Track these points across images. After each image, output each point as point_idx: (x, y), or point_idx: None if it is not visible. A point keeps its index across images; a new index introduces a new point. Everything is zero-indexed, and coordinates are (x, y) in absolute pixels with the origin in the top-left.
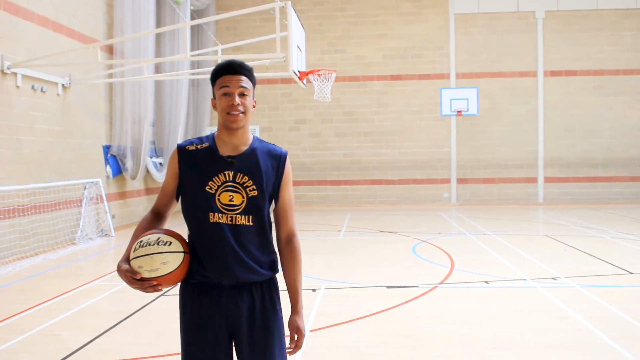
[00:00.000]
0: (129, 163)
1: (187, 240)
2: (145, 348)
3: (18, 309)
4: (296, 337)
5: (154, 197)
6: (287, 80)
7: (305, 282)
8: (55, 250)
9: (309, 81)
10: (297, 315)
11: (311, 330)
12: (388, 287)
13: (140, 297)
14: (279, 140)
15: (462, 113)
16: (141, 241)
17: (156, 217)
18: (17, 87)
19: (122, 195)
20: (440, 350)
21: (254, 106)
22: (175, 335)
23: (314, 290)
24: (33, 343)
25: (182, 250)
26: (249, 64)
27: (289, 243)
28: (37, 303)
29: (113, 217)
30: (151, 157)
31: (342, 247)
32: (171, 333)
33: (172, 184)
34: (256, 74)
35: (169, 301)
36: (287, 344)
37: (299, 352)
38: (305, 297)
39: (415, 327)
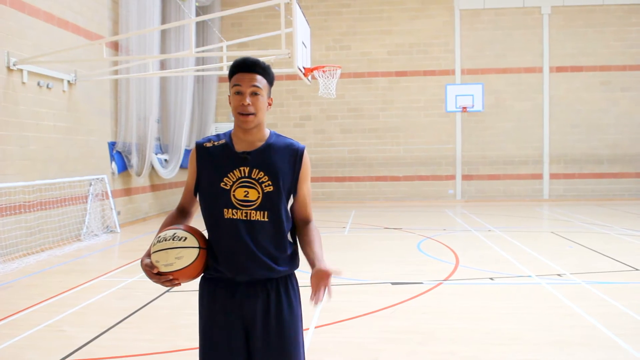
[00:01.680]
0: (134, 160)
1: (205, 237)
2: (151, 344)
3: (24, 304)
4: (321, 282)
5: (159, 194)
6: (292, 77)
7: None
8: (61, 246)
9: (313, 77)
10: (320, 262)
11: (316, 327)
12: (393, 283)
13: (146, 293)
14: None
15: (467, 109)
16: (159, 236)
17: (180, 214)
18: (23, 83)
19: (128, 191)
20: (445, 346)
21: (270, 104)
22: (180, 331)
23: None
24: (39, 339)
25: (198, 245)
26: None
27: (306, 224)
28: (43, 299)
29: (118, 213)
30: (156, 154)
31: (347, 244)
32: (177, 329)
33: (192, 181)
34: None
35: (175, 297)
36: (311, 296)
37: (305, 346)
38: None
39: (420, 323)
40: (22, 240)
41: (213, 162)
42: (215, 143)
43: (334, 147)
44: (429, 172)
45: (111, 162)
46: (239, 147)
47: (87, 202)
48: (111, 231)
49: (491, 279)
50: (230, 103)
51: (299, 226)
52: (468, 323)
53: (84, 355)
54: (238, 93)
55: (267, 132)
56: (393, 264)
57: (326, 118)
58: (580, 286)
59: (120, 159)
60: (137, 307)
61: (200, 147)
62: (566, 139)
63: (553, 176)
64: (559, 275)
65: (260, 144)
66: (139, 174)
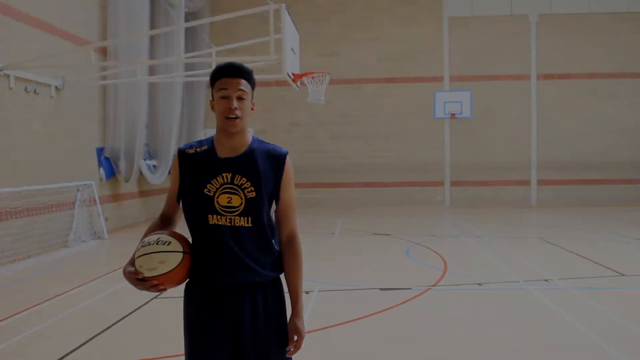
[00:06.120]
0: (122, 165)
1: (190, 242)
2: (138, 351)
3: (10, 311)
4: (295, 338)
5: (147, 200)
6: (281, 83)
7: None
8: (48, 252)
9: (302, 84)
10: (297, 317)
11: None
12: (381, 289)
13: (133, 300)
14: (273, 143)
15: (456, 116)
16: (143, 242)
17: (164, 221)
18: (10, 88)
19: (116, 197)
20: (433, 352)
21: (252, 109)
22: (166, 338)
23: (307, 292)
24: (25, 346)
25: (182, 250)
26: None
27: (289, 244)
28: (30, 306)
29: (106, 219)
30: (145, 160)
31: (336, 250)
32: (163, 336)
33: (174, 188)
34: None
35: (162, 304)
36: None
37: (297, 354)
38: None
39: (408, 329)
40: (8, 247)
41: (196, 168)
42: (198, 149)
43: (324, 153)
44: (418, 178)
45: (99, 168)
46: (222, 153)
47: (74, 208)
48: (99, 237)
49: (479, 284)
50: (212, 108)
51: (284, 243)
52: (456, 329)
53: None
54: (224, 97)
55: (249, 138)
56: (382, 269)
57: (315, 124)
58: (567, 292)
59: (108, 164)
60: (123, 314)
61: (182, 153)
62: (554, 146)
63: (541, 182)
64: (546, 280)
65: (243, 149)
66: (127, 180)
